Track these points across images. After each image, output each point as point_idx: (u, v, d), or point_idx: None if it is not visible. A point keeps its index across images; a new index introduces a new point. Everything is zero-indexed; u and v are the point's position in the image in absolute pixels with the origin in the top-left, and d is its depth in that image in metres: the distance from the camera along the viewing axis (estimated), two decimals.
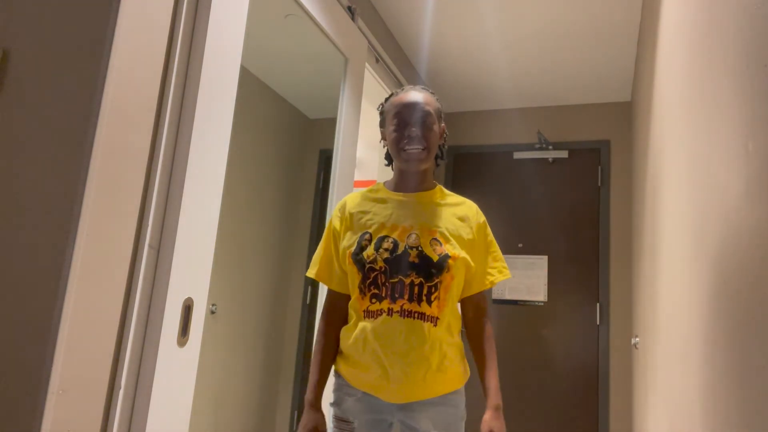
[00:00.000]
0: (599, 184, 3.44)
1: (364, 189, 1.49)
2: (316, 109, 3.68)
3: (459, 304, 1.42)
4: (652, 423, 1.80)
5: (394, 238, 1.33)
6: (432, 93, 1.44)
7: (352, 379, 1.33)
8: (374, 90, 2.89)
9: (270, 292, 3.40)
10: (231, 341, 3.04)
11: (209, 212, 1.39)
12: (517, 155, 3.66)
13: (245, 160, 3.13)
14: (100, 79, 1.12)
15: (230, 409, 3.04)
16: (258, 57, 3.00)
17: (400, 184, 1.42)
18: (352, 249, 1.34)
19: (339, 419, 1.34)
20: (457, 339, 1.37)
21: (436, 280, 1.30)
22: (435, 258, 1.30)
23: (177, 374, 1.28)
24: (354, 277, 1.34)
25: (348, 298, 1.43)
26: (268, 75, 3.22)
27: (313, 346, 1.42)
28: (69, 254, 1.06)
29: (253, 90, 3.18)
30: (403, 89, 1.42)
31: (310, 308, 3.56)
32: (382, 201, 1.40)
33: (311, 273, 1.44)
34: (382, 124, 1.45)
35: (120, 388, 1.17)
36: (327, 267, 1.43)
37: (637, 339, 2.49)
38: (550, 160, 3.57)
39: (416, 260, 1.30)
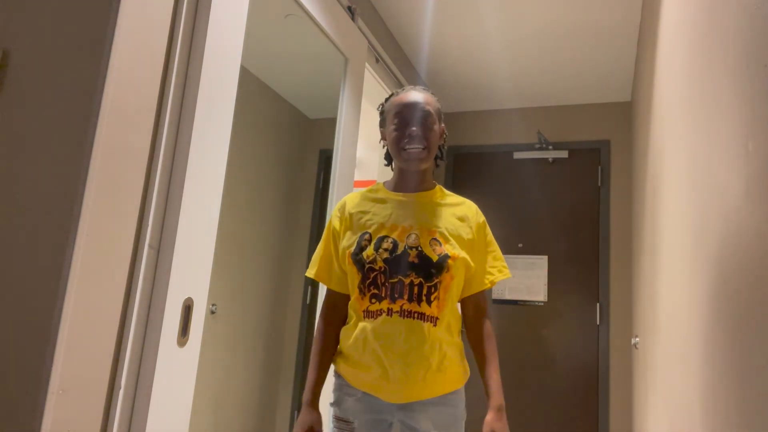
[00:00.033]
0: (599, 184, 3.45)
1: (363, 189, 1.49)
2: (316, 109, 3.68)
3: (459, 304, 1.42)
4: (652, 423, 1.80)
5: (393, 238, 1.33)
6: (432, 93, 1.44)
7: (352, 379, 1.33)
8: (374, 90, 2.89)
9: (270, 292, 3.40)
10: (231, 341, 3.04)
11: (209, 212, 1.39)
12: (517, 155, 3.66)
13: (245, 160, 3.13)
14: (100, 79, 1.12)
15: (230, 409, 3.04)
16: (258, 57, 3.00)
17: (399, 184, 1.42)
18: (352, 249, 1.34)
19: (339, 419, 1.34)
20: (457, 339, 1.37)
21: (436, 280, 1.30)
22: (434, 258, 1.30)
23: (177, 374, 1.28)
24: (353, 277, 1.34)
25: (347, 298, 1.43)
26: (268, 75, 3.22)
27: (312, 345, 1.42)
28: (69, 254, 1.06)
29: (253, 90, 3.18)
30: (403, 89, 1.42)
31: (310, 308, 3.56)
32: (382, 201, 1.40)
33: (310, 273, 1.44)
34: (382, 124, 1.46)
35: (120, 388, 1.17)
36: (326, 267, 1.43)
37: (637, 339, 2.49)
38: (550, 160, 3.57)
39: (416, 260, 1.30)
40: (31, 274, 1.08)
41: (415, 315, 1.28)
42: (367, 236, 1.34)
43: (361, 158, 3.12)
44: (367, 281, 1.31)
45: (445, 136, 1.47)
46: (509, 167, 3.67)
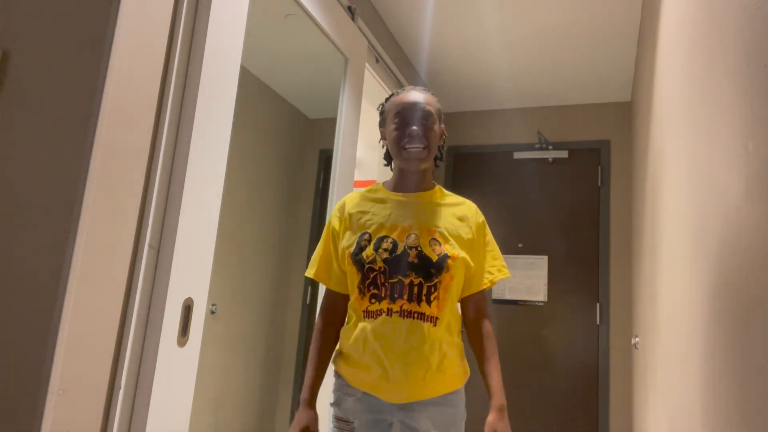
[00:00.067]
0: (599, 184, 3.45)
1: (363, 189, 1.49)
2: (316, 109, 3.68)
3: (459, 304, 1.42)
4: (652, 423, 1.80)
5: (393, 238, 1.33)
6: (432, 94, 1.44)
7: (353, 380, 1.33)
8: (374, 90, 2.89)
9: (270, 292, 3.40)
10: (231, 341, 3.04)
11: (209, 212, 1.39)
12: (517, 155, 3.66)
13: (245, 160, 3.13)
14: (100, 79, 1.12)
15: (230, 409, 3.04)
16: (258, 57, 3.00)
17: (399, 184, 1.42)
18: (352, 249, 1.34)
19: (339, 419, 1.34)
20: (456, 339, 1.37)
21: (436, 280, 1.30)
22: (434, 258, 1.30)
23: (177, 374, 1.28)
24: (353, 278, 1.34)
25: (346, 297, 1.43)
26: (268, 75, 3.22)
27: (311, 345, 1.42)
28: (69, 254, 1.07)
29: (253, 90, 3.18)
30: (403, 89, 1.43)
31: (310, 308, 3.56)
32: (382, 201, 1.40)
33: (310, 273, 1.44)
34: (381, 124, 1.46)
35: (120, 388, 1.17)
36: (326, 267, 1.43)
37: (637, 339, 2.49)
38: (550, 160, 3.57)
39: (415, 260, 1.30)
40: (31, 274, 1.08)
41: (415, 315, 1.28)
42: (366, 236, 1.34)
43: (361, 158, 3.12)
44: (367, 281, 1.31)
45: (444, 136, 1.47)
46: (509, 167, 3.67)
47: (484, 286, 1.40)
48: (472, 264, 1.37)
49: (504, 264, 1.44)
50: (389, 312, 1.29)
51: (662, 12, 1.65)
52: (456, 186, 3.78)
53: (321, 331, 1.40)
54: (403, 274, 1.30)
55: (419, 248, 1.31)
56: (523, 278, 3.47)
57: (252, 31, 2.67)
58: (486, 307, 1.42)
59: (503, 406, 1.29)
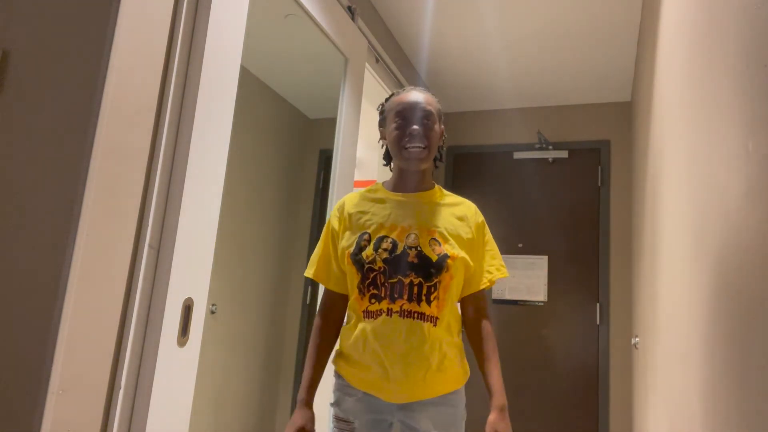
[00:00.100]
0: (599, 184, 3.45)
1: (362, 189, 1.49)
2: (316, 109, 3.68)
3: (458, 304, 1.42)
4: (652, 423, 1.80)
5: (393, 238, 1.33)
6: (432, 94, 1.45)
7: (353, 380, 1.33)
8: (374, 90, 2.89)
9: (270, 292, 3.40)
10: (231, 341, 3.04)
11: (209, 212, 1.39)
12: (517, 155, 3.66)
13: (245, 160, 3.13)
14: (100, 79, 1.12)
15: (230, 409, 3.04)
16: (258, 57, 3.00)
17: (399, 184, 1.42)
18: (351, 249, 1.34)
19: (339, 419, 1.34)
20: (456, 339, 1.37)
21: (435, 280, 1.30)
22: (434, 258, 1.30)
23: (177, 374, 1.28)
24: (353, 278, 1.34)
25: (345, 298, 1.43)
26: (268, 75, 3.22)
27: (308, 345, 1.42)
28: (69, 254, 1.07)
29: (253, 90, 3.18)
30: (404, 89, 1.43)
31: (310, 308, 3.56)
32: (381, 201, 1.40)
33: (309, 273, 1.44)
34: (381, 124, 1.46)
35: (120, 388, 1.17)
36: (325, 267, 1.43)
37: (637, 339, 2.49)
38: (550, 160, 3.57)
39: (415, 260, 1.30)
40: (31, 274, 1.08)
41: (415, 315, 1.28)
42: (366, 236, 1.34)
43: (361, 158, 3.12)
44: (367, 281, 1.31)
45: (444, 137, 1.47)
46: (509, 167, 3.67)
47: (484, 286, 1.40)
48: (471, 264, 1.37)
49: (503, 263, 1.44)
50: (389, 312, 1.28)
51: (662, 12, 1.65)
52: (456, 186, 3.78)
53: (319, 331, 1.40)
54: (403, 274, 1.30)
55: (419, 248, 1.31)
56: (523, 278, 3.47)
57: (252, 31, 2.67)
58: (486, 306, 1.42)
59: (504, 406, 1.29)
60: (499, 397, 1.30)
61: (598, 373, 3.22)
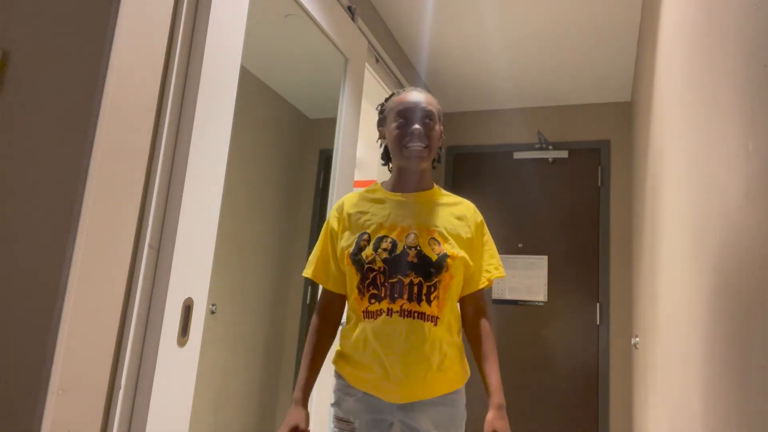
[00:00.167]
0: (599, 184, 3.45)
1: (361, 189, 1.49)
2: (316, 109, 3.68)
3: (458, 304, 1.42)
4: (652, 423, 1.80)
5: (392, 238, 1.33)
6: (432, 95, 1.45)
7: (353, 380, 1.33)
8: (374, 90, 2.89)
9: (270, 292, 3.40)
10: (231, 341, 3.04)
11: (209, 212, 1.39)
12: (517, 155, 3.66)
13: (245, 160, 3.13)
14: (100, 79, 1.12)
15: (230, 409, 3.04)
16: (258, 57, 3.00)
17: (398, 184, 1.43)
18: (351, 249, 1.34)
19: (340, 419, 1.34)
20: (457, 339, 1.37)
21: (435, 280, 1.30)
22: (434, 257, 1.30)
23: (177, 374, 1.28)
24: (352, 278, 1.34)
25: (342, 298, 1.43)
26: (268, 75, 3.22)
27: (305, 345, 1.41)
28: (69, 254, 1.06)
29: (253, 90, 3.18)
30: (404, 89, 1.43)
31: (310, 308, 3.56)
32: (380, 201, 1.41)
33: (307, 273, 1.43)
34: (380, 123, 1.46)
35: (120, 388, 1.17)
36: (323, 267, 1.43)
37: (637, 339, 2.49)
38: (550, 160, 3.57)
39: (415, 260, 1.30)
40: (31, 274, 1.08)
41: (416, 315, 1.28)
42: (365, 236, 1.35)
43: (361, 158, 3.12)
44: (367, 281, 1.31)
45: (443, 138, 1.47)
46: (509, 167, 3.67)
47: (483, 285, 1.40)
48: (471, 263, 1.37)
49: (500, 263, 1.44)
50: (389, 312, 1.28)
51: (662, 12, 1.65)
52: (456, 186, 3.78)
53: (316, 331, 1.40)
54: (403, 274, 1.30)
55: (418, 248, 1.31)
56: (523, 278, 3.47)
57: (252, 31, 2.66)
58: (485, 306, 1.42)
59: (502, 405, 1.29)
60: (497, 396, 1.30)
61: (598, 373, 3.22)
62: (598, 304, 3.30)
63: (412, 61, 3.20)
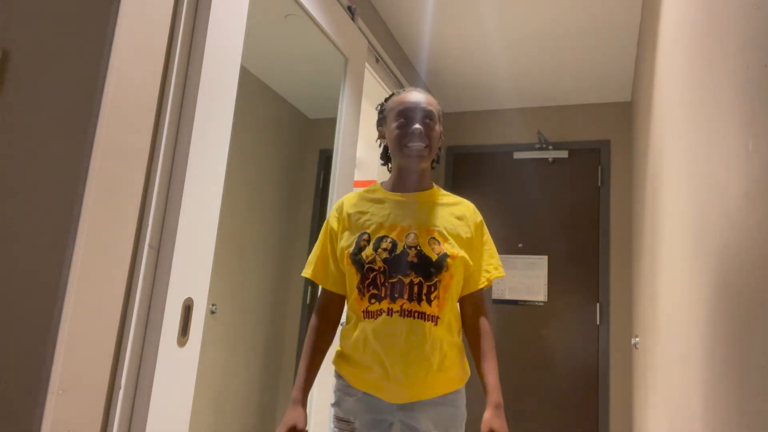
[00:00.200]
0: (599, 184, 3.44)
1: (361, 189, 1.49)
2: (316, 109, 3.68)
3: (458, 303, 1.42)
4: (652, 423, 1.80)
5: (392, 238, 1.33)
6: (432, 96, 1.45)
7: (353, 380, 1.33)
8: (374, 90, 2.89)
9: (270, 292, 3.40)
10: (231, 341, 3.04)
11: (209, 212, 1.39)
12: (517, 155, 3.66)
13: (245, 160, 3.13)
14: (100, 79, 1.12)
15: (230, 409, 3.04)
16: (258, 57, 3.00)
17: (397, 184, 1.43)
18: (351, 249, 1.34)
19: (340, 419, 1.34)
20: (457, 339, 1.37)
21: (435, 279, 1.30)
22: (434, 257, 1.31)
23: (177, 374, 1.28)
24: (352, 278, 1.34)
25: (342, 298, 1.43)
26: (268, 75, 3.22)
27: (303, 345, 1.41)
28: (69, 254, 1.07)
29: (253, 90, 3.18)
30: (404, 90, 1.44)
31: (310, 308, 3.56)
32: (380, 201, 1.41)
33: (306, 273, 1.43)
34: (380, 123, 1.46)
35: (120, 388, 1.17)
36: (322, 267, 1.43)
37: (637, 339, 2.49)
38: (550, 160, 3.57)
39: (415, 260, 1.30)
40: (31, 274, 1.08)
41: (416, 314, 1.28)
42: (365, 236, 1.35)
43: (361, 158, 3.12)
44: (367, 281, 1.31)
45: (442, 139, 1.47)
46: (509, 167, 3.67)
47: (482, 285, 1.40)
48: (471, 263, 1.37)
49: (499, 263, 1.44)
50: (389, 312, 1.28)
51: (662, 12, 1.65)
52: (456, 186, 3.78)
53: (315, 331, 1.40)
54: (403, 274, 1.30)
55: (418, 247, 1.31)
56: (523, 278, 3.47)
57: (252, 31, 2.66)
58: (484, 305, 1.42)
59: (500, 404, 1.29)
60: (495, 395, 1.29)
61: (598, 373, 3.22)
62: (598, 304, 3.30)
63: (412, 61, 3.20)
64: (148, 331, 1.23)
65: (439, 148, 1.48)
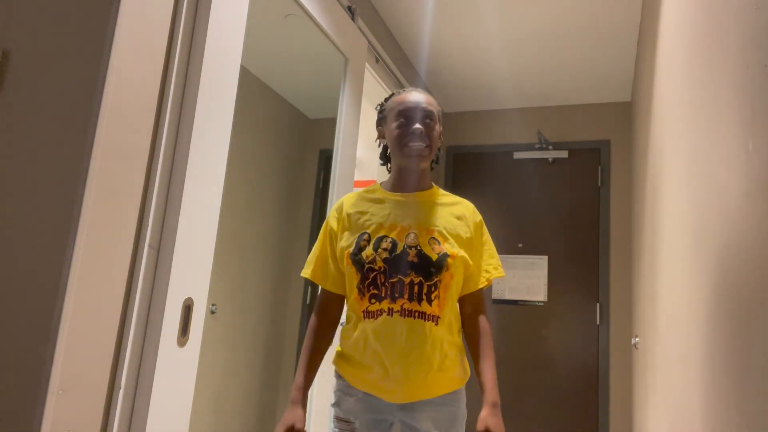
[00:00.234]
0: (599, 184, 3.45)
1: (360, 189, 1.49)
2: (316, 109, 3.68)
3: (457, 303, 1.42)
4: (652, 423, 1.80)
5: (392, 238, 1.33)
6: (432, 96, 1.45)
7: (353, 380, 1.33)
8: (374, 90, 2.89)
9: (270, 292, 3.40)
10: (231, 341, 3.04)
11: (209, 212, 1.39)
12: (517, 155, 3.66)
13: (245, 160, 3.13)
14: (100, 79, 1.12)
15: (230, 409, 3.04)
16: (258, 57, 3.00)
17: (397, 184, 1.43)
18: (351, 249, 1.34)
19: (340, 419, 1.34)
20: (457, 339, 1.37)
21: (436, 279, 1.30)
22: (434, 257, 1.31)
23: (177, 374, 1.28)
24: (352, 278, 1.34)
25: (341, 298, 1.43)
26: (268, 75, 3.22)
27: (302, 345, 1.41)
28: (69, 254, 1.06)
29: (253, 90, 3.18)
30: (404, 90, 1.44)
31: (310, 308, 3.56)
32: (380, 201, 1.41)
33: (306, 273, 1.43)
34: (380, 123, 1.46)
35: (120, 388, 1.17)
36: (322, 267, 1.42)
37: (637, 339, 2.49)
38: (550, 160, 3.57)
39: (415, 259, 1.30)
40: (31, 274, 1.08)
41: (416, 314, 1.28)
42: (365, 236, 1.35)
43: (361, 158, 3.12)
44: (367, 281, 1.31)
45: (441, 139, 1.48)
46: (509, 167, 3.67)
47: (482, 285, 1.40)
48: (471, 263, 1.37)
49: (499, 263, 1.44)
50: (390, 312, 1.28)
51: (662, 12, 1.65)
52: (456, 186, 3.78)
53: (315, 331, 1.40)
54: (403, 274, 1.30)
55: (419, 247, 1.31)
56: (523, 278, 3.47)
57: (252, 31, 2.66)
58: (483, 305, 1.42)
59: (496, 403, 1.29)
60: (492, 393, 1.29)
61: (598, 373, 3.22)
62: (598, 304, 3.30)
63: (412, 61, 3.20)
64: (148, 331, 1.23)
65: (439, 149, 1.49)
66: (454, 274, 1.33)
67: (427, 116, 1.37)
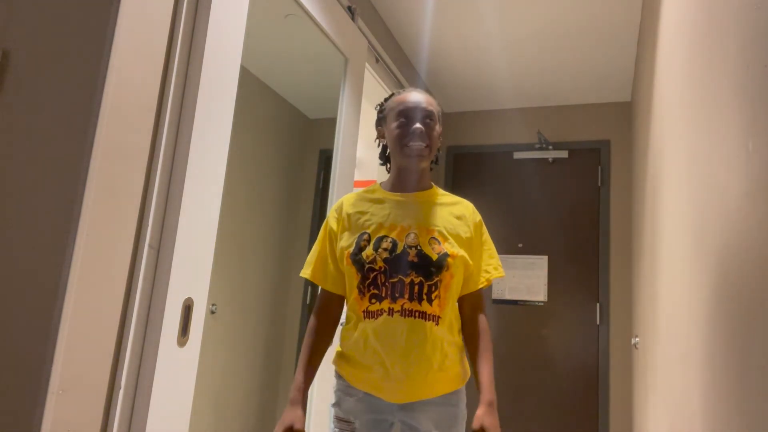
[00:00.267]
0: (599, 184, 3.45)
1: (360, 189, 1.49)
2: (316, 109, 3.68)
3: (457, 303, 1.42)
4: (652, 423, 1.80)
5: (392, 238, 1.33)
6: (432, 96, 1.46)
7: (354, 380, 1.33)
8: (374, 90, 2.89)
9: (270, 292, 3.40)
10: (231, 341, 3.04)
11: (209, 212, 1.39)
12: (517, 155, 3.66)
13: (245, 160, 3.13)
14: (100, 79, 1.12)
15: (230, 409, 3.04)
16: (258, 57, 3.00)
17: (397, 184, 1.43)
18: (351, 249, 1.34)
19: (340, 419, 1.34)
20: (458, 338, 1.37)
21: (436, 279, 1.30)
22: (434, 257, 1.31)
23: (177, 374, 1.28)
24: (352, 278, 1.34)
25: (341, 298, 1.43)
26: (268, 75, 3.22)
27: (302, 345, 1.41)
28: (69, 254, 1.06)
29: (253, 90, 3.18)
30: (404, 90, 1.44)
31: (310, 308, 3.56)
32: (380, 201, 1.41)
33: (306, 273, 1.43)
34: (379, 123, 1.46)
35: (120, 388, 1.17)
36: (322, 267, 1.42)
37: (637, 339, 2.49)
38: (550, 160, 3.57)
39: (416, 259, 1.30)
40: (31, 274, 1.08)
41: (417, 314, 1.28)
42: (365, 236, 1.35)
43: (361, 158, 3.12)
44: (367, 281, 1.31)
45: (441, 139, 1.48)
46: (509, 167, 3.67)
47: (482, 285, 1.40)
48: (470, 262, 1.37)
49: (499, 263, 1.44)
50: (390, 312, 1.28)
51: (662, 12, 1.65)
52: (456, 186, 3.78)
53: (314, 332, 1.39)
54: (404, 274, 1.30)
55: (419, 247, 1.31)
56: (523, 278, 3.47)
57: (252, 31, 2.66)
58: (483, 305, 1.42)
59: (492, 401, 1.29)
60: (488, 392, 1.29)
61: (598, 373, 3.22)
62: (598, 304, 3.30)
63: (412, 61, 3.20)
64: (148, 331, 1.23)
65: (438, 149, 1.49)
66: (455, 274, 1.33)
67: (427, 116, 1.37)
